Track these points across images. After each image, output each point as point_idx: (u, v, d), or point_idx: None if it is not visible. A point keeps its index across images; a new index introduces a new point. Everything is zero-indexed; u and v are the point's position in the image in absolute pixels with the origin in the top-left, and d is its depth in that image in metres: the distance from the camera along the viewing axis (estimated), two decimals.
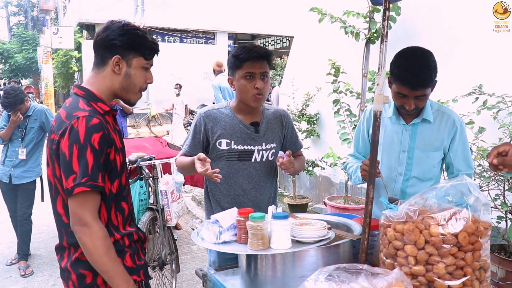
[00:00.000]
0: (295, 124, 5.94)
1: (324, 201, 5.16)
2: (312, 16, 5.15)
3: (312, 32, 6.27)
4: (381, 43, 1.65)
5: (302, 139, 5.94)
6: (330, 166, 5.37)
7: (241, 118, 2.44)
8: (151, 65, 1.84)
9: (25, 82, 31.99)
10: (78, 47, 17.07)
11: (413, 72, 2.02)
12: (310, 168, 5.70)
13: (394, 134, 2.35)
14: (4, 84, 28.40)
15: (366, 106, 4.65)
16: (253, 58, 2.27)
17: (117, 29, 1.73)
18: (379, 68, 1.69)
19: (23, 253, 4.87)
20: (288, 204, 5.94)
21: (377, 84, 1.59)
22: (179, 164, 2.54)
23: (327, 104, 5.39)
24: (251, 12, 18.63)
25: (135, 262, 1.86)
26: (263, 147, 2.45)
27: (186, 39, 19.17)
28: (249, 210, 1.85)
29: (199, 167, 2.14)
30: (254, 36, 22.39)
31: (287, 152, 2.28)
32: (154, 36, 18.49)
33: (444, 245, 1.46)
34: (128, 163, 3.53)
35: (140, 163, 4.19)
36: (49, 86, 14.60)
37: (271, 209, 1.92)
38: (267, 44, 22.19)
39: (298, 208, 5.85)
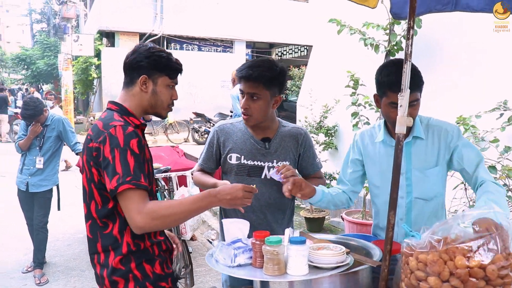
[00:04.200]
0: (312, 137, 5.90)
1: (341, 216, 5.07)
2: (331, 26, 5.10)
3: (331, 43, 6.21)
4: (405, 62, 1.59)
5: (320, 152, 5.86)
6: None
7: (252, 133, 2.43)
8: (176, 83, 2.02)
9: (46, 87, 32.50)
10: (98, 54, 17.26)
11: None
12: (328, 181, 5.62)
13: (389, 157, 2.18)
14: (26, 89, 28.93)
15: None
16: (241, 77, 2.29)
17: (144, 52, 1.91)
18: (402, 89, 1.62)
19: (39, 261, 4.91)
20: (305, 217, 5.85)
21: (400, 106, 1.52)
22: (197, 181, 2.54)
23: (345, 116, 5.31)
24: (269, 21, 18.62)
25: (163, 270, 1.94)
26: (274, 164, 2.40)
27: (204, 47, 19.23)
28: (265, 233, 1.79)
29: None
30: (272, 45, 22.37)
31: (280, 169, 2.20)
32: (172, 44, 18.77)
33: (470, 278, 1.37)
34: None
35: (156, 175, 4.17)
36: (68, 92, 14.77)
37: (287, 232, 1.87)
38: (285, 53, 22.15)
39: (315, 222, 5.76)
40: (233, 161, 2.42)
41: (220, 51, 19.60)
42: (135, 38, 17.96)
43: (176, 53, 15.74)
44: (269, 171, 2.39)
